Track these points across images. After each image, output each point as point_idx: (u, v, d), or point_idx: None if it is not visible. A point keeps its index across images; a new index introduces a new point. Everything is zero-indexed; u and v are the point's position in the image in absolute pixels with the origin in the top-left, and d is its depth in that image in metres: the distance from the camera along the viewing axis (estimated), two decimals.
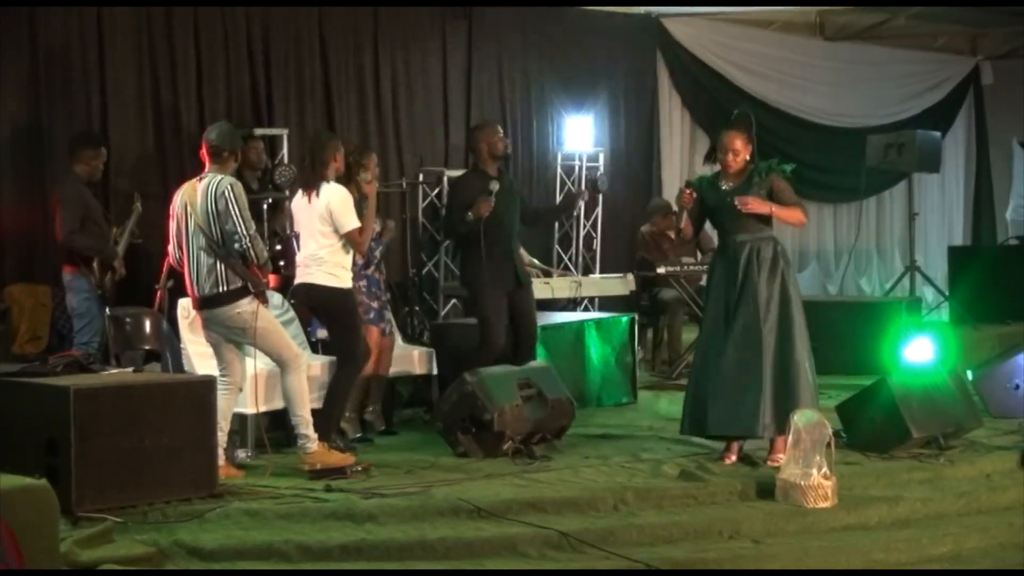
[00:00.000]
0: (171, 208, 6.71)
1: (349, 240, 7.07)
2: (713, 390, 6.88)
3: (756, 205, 6.90)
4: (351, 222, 7.05)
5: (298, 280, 7.24)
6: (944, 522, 6.29)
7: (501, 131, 8.35)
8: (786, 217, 7.06)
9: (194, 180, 6.65)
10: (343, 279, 7.14)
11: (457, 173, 11.04)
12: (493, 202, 7.93)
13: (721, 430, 6.92)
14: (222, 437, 6.55)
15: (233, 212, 6.45)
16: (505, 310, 8.11)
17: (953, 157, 15.76)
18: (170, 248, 6.76)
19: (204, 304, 6.61)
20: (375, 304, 7.83)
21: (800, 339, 6.92)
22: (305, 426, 6.69)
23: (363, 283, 7.74)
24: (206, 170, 6.64)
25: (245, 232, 6.47)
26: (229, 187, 6.48)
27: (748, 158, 7.01)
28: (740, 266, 6.93)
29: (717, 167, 7.17)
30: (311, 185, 7.15)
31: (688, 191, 7.02)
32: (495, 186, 7.97)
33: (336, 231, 7.05)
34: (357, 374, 7.29)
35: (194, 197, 6.55)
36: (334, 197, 7.06)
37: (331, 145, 7.25)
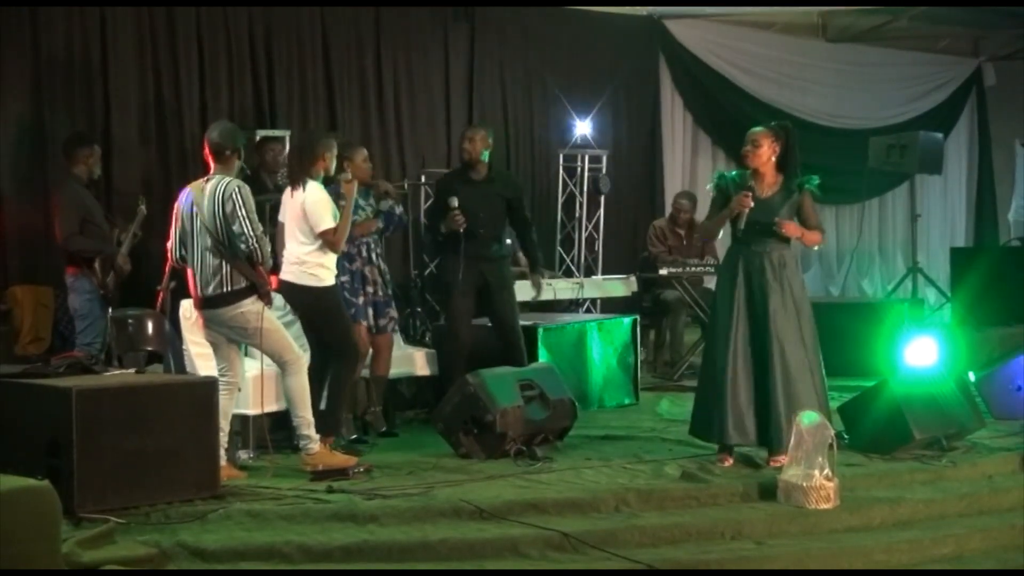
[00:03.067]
0: (175, 207, 6.71)
1: (323, 240, 7.06)
2: (742, 401, 6.84)
3: (793, 231, 6.92)
4: (324, 222, 7.02)
5: (281, 276, 7.23)
6: (946, 523, 6.29)
7: (472, 132, 8.41)
8: (809, 241, 7.12)
9: (200, 181, 6.66)
10: (324, 278, 7.12)
11: None
12: (460, 218, 8.10)
13: (743, 440, 6.88)
14: (222, 437, 6.55)
15: (240, 213, 6.46)
16: (471, 310, 8.32)
17: (955, 158, 15.75)
18: (169, 246, 6.75)
19: (207, 304, 6.62)
20: (359, 300, 7.80)
21: (814, 347, 6.94)
22: (307, 427, 6.69)
23: (345, 279, 7.70)
24: (211, 171, 6.64)
25: (252, 233, 6.48)
26: (236, 189, 6.49)
27: (773, 162, 6.96)
28: (765, 273, 6.90)
29: (737, 169, 7.17)
30: (296, 181, 7.14)
31: (747, 195, 6.86)
32: (454, 202, 8.15)
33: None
34: (353, 369, 7.29)
35: (200, 198, 6.55)
36: (310, 196, 7.06)
37: (322, 143, 7.25)
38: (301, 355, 6.83)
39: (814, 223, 7.09)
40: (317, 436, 6.71)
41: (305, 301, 7.15)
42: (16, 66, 9.12)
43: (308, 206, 7.03)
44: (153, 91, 9.73)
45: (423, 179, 11.07)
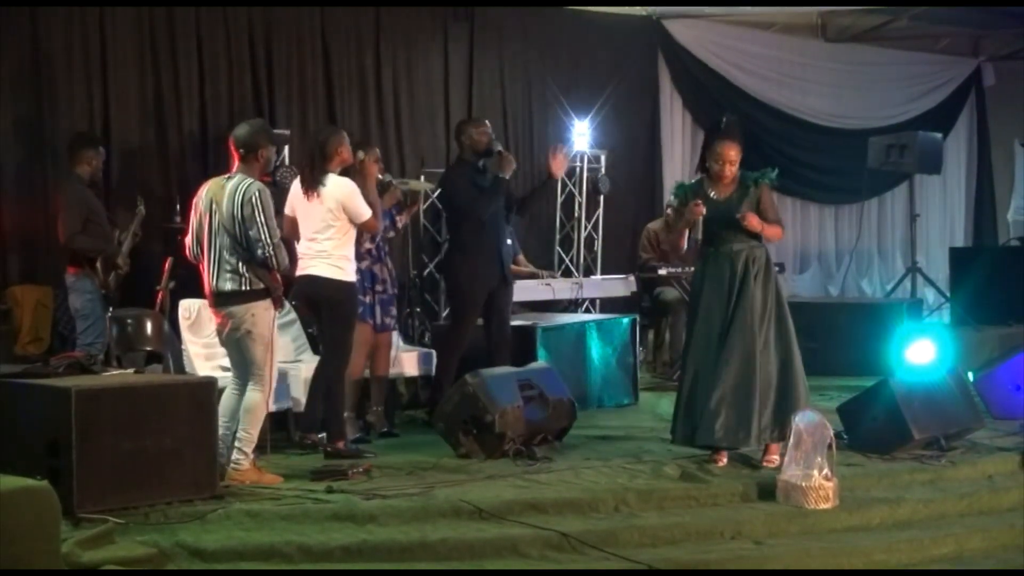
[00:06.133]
0: (194, 202, 6.63)
1: (365, 228, 7.22)
2: (714, 402, 6.83)
3: (756, 224, 6.91)
4: (364, 211, 7.14)
5: (300, 272, 7.21)
6: (946, 523, 6.30)
7: (486, 125, 8.47)
8: (769, 235, 7.05)
9: (221, 178, 6.59)
10: (348, 271, 7.16)
11: None
12: (511, 160, 8.23)
13: (724, 443, 6.87)
14: (228, 438, 6.50)
15: (259, 219, 6.38)
16: (480, 308, 8.29)
17: (955, 158, 15.74)
18: (187, 240, 6.68)
19: (220, 300, 6.55)
20: (366, 299, 7.80)
21: (794, 344, 6.96)
22: (248, 444, 6.55)
23: (355, 277, 7.70)
24: (234, 169, 6.57)
25: (269, 240, 6.41)
26: (257, 193, 6.41)
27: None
28: (736, 274, 6.91)
29: (699, 176, 7.18)
30: (312, 181, 7.15)
31: (698, 204, 6.89)
32: (497, 145, 8.33)
33: (350, 222, 7.13)
34: (346, 366, 7.29)
35: (220, 196, 6.48)
36: (344, 191, 7.09)
37: (334, 139, 7.26)
38: (272, 378, 6.67)
39: (772, 217, 7.05)
40: (252, 457, 6.58)
41: (325, 293, 7.14)
42: (16, 65, 9.12)
43: (346, 200, 7.10)
44: (153, 91, 9.73)
45: (422, 179, 11.06)
